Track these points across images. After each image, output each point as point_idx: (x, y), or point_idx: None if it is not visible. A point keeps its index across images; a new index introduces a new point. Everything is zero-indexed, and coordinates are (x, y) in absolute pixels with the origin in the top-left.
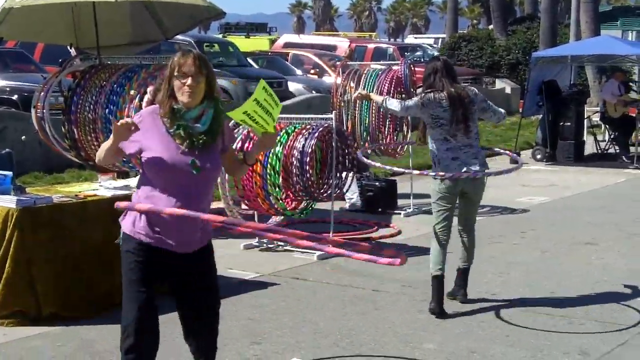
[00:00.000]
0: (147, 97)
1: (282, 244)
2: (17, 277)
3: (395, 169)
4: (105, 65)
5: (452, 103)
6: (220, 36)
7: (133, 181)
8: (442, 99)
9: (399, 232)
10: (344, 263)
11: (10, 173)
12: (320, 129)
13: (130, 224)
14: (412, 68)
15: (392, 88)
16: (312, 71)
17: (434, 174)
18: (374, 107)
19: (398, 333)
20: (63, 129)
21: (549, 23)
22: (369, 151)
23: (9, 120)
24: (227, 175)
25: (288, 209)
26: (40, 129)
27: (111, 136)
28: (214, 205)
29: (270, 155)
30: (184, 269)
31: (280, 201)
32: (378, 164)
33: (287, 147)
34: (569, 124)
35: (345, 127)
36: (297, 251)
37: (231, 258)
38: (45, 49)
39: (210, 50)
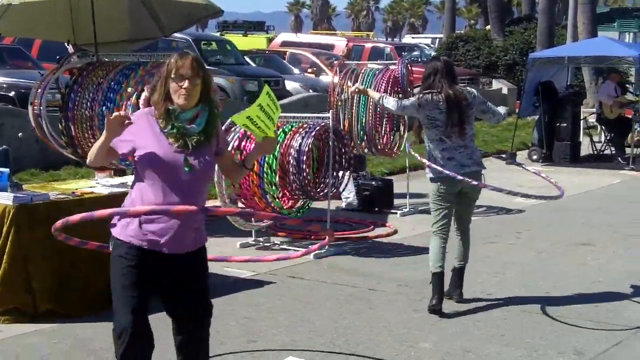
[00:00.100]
0: (144, 95)
1: (278, 242)
2: (13, 274)
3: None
4: (102, 62)
5: (448, 105)
6: (217, 34)
7: (130, 179)
8: (440, 100)
9: (395, 232)
10: (340, 262)
11: (7, 170)
12: (318, 127)
13: (121, 229)
14: (409, 68)
15: (389, 87)
16: (309, 70)
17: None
18: (370, 107)
19: (394, 332)
20: (60, 126)
21: (547, 24)
22: (365, 150)
23: (6, 116)
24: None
25: (284, 207)
26: (37, 126)
27: (104, 132)
28: (210, 203)
29: None
30: (177, 270)
31: (277, 200)
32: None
33: (284, 146)
34: (565, 124)
35: (342, 126)
36: (293, 250)
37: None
38: (43, 45)
39: (207, 48)
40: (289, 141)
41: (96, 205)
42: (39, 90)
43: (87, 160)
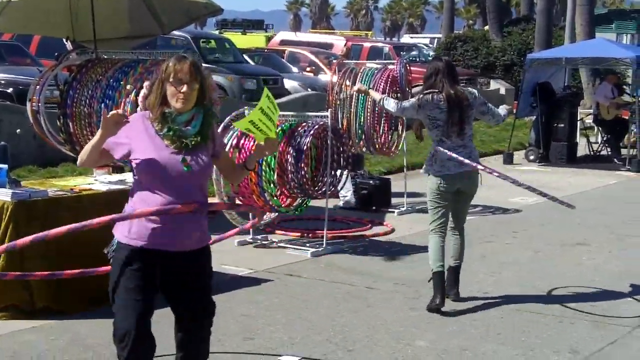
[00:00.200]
0: (143, 92)
1: (276, 240)
2: (10, 270)
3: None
4: (101, 59)
5: (449, 105)
6: (216, 32)
7: (128, 176)
8: (441, 100)
9: (393, 230)
10: (337, 261)
11: (5, 166)
12: (316, 126)
13: (125, 232)
14: (408, 67)
15: (388, 87)
16: (308, 69)
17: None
18: (369, 106)
19: (390, 330)
20: (58, 122)
21: (545, 25)
22: (363, 149)
23: (4, 113)
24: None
25: (282, 205)
26: (36, 123)
27: (99, 131)
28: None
29: None
30: (180, 269)
31: (275, 198)
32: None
33: (282, 144)
34: (562, 125)
35: (340, 125)
36: (291, 248)
37: (225, 254)
38: (41, 42)
39: (206, 46)
40: (287, 140)
41: (94, 203)
42: (38, 86)
43: (78, 161)
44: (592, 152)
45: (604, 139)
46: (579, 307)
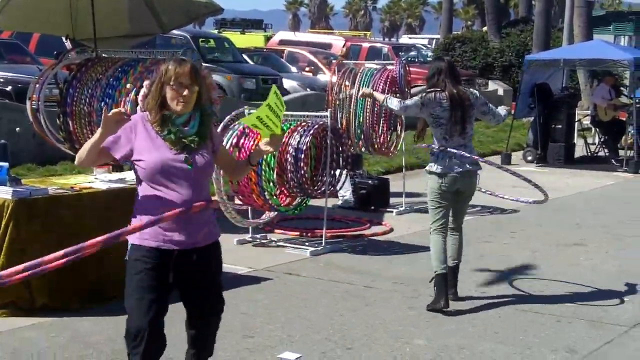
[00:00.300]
0: (143, 91)
1: (275, 239)
2: (10, 267)
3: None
4: (101, 58)
5: (452, 103)
6: (215, 32)
7: (128, 174)
8: (443, 98)
9: (391, 230)
10: (336, 260)
11: (6, 164)
12: (316, 126)
13: (137, 234)
14: (407, 68)
15: (387, 87)
16: (306, 69)
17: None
18: (368, 106)
19: (389, 329)
20: (58, 121)
21: (543, 26)
22: (362, 149)
23: (3, 111)
24: (221, 170)
25: (282, 204)
26: (35, 121)
27: (98, 130)
28: None
29: None
30: (189, 266)
31: (274, 197)
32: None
33: (282, 144)
34: (560, 126)
35: (339, 125)
36: (290, 247)
37: (224, 253)
38: (41, 40)
39: (206, 45)
40: (287, 139)
41: (94, 201)
42: (38, 85)
43: (77, 160)
44: (589, 153)
45: (602, 140)
46: (576, 306)
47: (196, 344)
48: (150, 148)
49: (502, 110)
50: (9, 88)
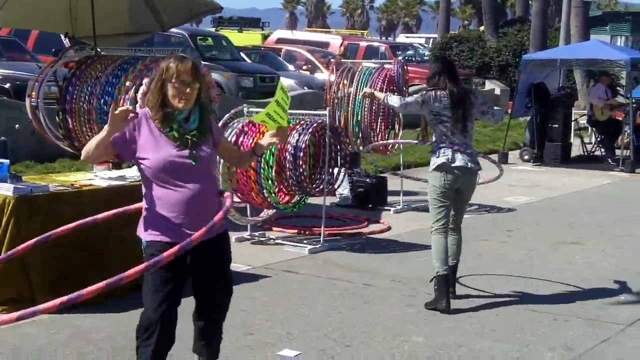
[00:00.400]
0: (142, 89)
1: (273, 237)
2: (11, 264)
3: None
4: (101, 56)
5: (452, 101)
6: (213, 30)
7: (128, 172)
8: (444, 96)
9: (389, 228)
10: (334, 257)
11: (7, 161)
12: (315, 125)
13: (149, 231)
14: (405, 67)
15: (385, 86)
16: (304, 67)
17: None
18: (366, 105)
19: (387, 326)
20: (57, 118)
21: (540, 26)
22: (362, 148)
23: (2, 109)
24: (220, 168)
25: (280, 202)
26: (35, 118)
27: (105, 127)
28: None
29: None
30: (201, 256)
31: (273, 195)
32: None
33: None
34: (556, 126)
35: (337, 124)
36: (288, 244)
37: None
38: (39, 38)
39: (203, 43)
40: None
41: (94, 198)
42: (37, 82)
43: (83, 156)
44: (585, 153)
45: (598, 139)
46: (572, 305)
47: (199, 342)
48: (154, 146)
49: (497, 109)
50: (7, 85)
